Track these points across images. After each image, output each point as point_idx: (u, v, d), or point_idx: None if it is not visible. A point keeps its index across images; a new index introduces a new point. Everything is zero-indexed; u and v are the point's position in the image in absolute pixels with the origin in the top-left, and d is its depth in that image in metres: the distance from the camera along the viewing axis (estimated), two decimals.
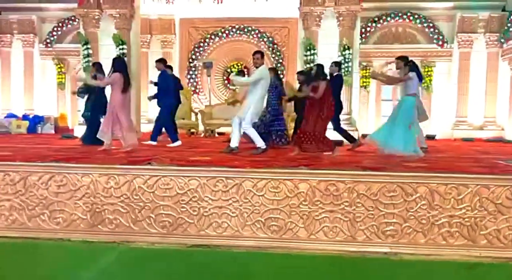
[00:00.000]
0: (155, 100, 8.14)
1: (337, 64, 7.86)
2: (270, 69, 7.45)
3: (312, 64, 9.43)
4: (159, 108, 7.95)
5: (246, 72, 9.58)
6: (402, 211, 4.28)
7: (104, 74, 7.66)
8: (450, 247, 4.25)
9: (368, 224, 4.31)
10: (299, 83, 8.49)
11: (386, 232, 4.29)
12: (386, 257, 4.21)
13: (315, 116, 6.08)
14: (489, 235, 4.22)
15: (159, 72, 8.03)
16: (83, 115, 8.24)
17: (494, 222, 4.22)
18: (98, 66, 7.84)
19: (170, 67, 8.72)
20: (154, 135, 7.88)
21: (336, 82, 7.33)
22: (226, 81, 13.33)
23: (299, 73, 8.65)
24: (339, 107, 7.39)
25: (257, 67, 6.20)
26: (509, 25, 11.28)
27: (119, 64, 6.55)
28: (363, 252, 4.28)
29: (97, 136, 6.52)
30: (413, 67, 6.51)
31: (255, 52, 6.29)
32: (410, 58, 6.72)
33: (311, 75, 6.38)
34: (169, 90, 7.84)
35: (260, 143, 6.14)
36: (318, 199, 4.36)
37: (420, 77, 6.70)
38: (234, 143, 6.23)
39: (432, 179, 4.29)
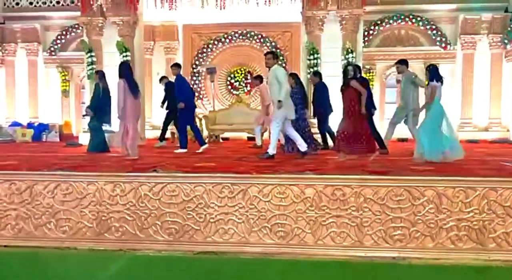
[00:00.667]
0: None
1: (357, 67, 7.88)
2: (290, 75, 7.52)
3: (315, 68, 9.45)
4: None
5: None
6: (409, 215, 4.25)
7: (106, 82, 7.71)
8: (458, 251, 4.21)
9: (375, 229, 4.28)
10: (313, 84, 8.40)
11: (394, 237, 4.26)
12: (395, 262, 4.18)
13: (349, 116, 6.09)
14: (498, 238, 4.18)
15: (175, 76, 7.90)
16: (88, 124, 8.24)
17: (502, 225, 4.18)
18: (100, 75, 7.87)
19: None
20: (200, 140, 7.74)
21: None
22: (229, 87, 13.34)
23: (314, 73, 8.61)
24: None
25: (269, 67, 6.22)
26: None
27: (122, 70, 6.54)
28: (371, 257, 4.24)
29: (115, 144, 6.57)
30: (434, 75, 6.18)
31: (267, 53, 6.39)
32: (432, 63, 6.65)
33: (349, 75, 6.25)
34: (188, 94, 7.78)
35: (272, 149, 6.13)
36: (325, 204, 4.34)
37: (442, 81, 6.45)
38: (272, 150, 6.18)
39: (439, 182, 4.25)
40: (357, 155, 6.00)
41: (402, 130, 7.73)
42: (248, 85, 12.93)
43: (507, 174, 4.53)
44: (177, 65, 8.16)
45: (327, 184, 4.35)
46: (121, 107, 6.34)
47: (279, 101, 6.05)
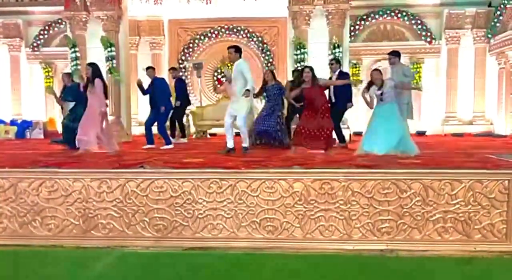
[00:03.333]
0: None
1: (337, 61, 7.90)
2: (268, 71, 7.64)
3: (302, 63, 9.45)
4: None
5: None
6: (397, 208, 4.30)
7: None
8: (445, 242, 4.28)
9: (363, 222, 4.32)
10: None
11: (381, 230, 4.30)
12: (382, 255, 4.22)
13: (314, 114, 6.09)
14: (483, 229, 4.26)
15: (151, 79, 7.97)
16: (64, 123, 7.82)
17: (487, 216, 4.26)
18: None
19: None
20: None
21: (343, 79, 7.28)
22: (216, 82, 13.27)
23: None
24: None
25: (232, 62, 6.28)
26: (495, 20, 11.39)
27: (98, 70, 6.56)
28: (359, 250, 4.28)
29: (85, 144, 6.41)
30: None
31: (229, 47, 6.29)
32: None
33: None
34: (166, 95, 7.89)
35: (246, 142, 6.30)
36: (313, 198, 4.35)
37: None
38: (230, 143, 6.26)
39: (425, 175, 4.30)
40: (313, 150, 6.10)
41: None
42: None
43: (492, 166, 4.59)
44: (151, 68, 8.26)
45: (315, 178, 4.37)
46: (104, 105, 6.43)
47: (247, 90, 5.94)
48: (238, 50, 6.23)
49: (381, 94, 5.77)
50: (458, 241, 4.27)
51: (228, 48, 6.28)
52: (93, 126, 6.34)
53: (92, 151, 6.38)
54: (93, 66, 6.55)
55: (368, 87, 5.92)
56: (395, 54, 6.99)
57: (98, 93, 6.37)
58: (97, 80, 6.38)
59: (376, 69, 6.08)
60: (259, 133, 7.24)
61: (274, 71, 8.80)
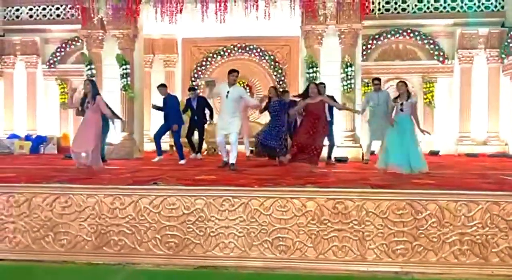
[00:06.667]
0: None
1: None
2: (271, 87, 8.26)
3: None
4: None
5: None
6: (412, 229, 4.22)
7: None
8: (461, 266, 4.17)
9: (378, 243, 4.24)
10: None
11: (396, 251, 4.22)
12: (397, 277, 4.13)
13: (309, 131, 6.46)
14: (501, 253, 4.15)
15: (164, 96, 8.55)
16: None
17: (505, 239, 4.15)
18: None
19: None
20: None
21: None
22: None
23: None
24: None
25: (234, 84, 6.76)
26: (508, 40, 11.36)
27: (96, 86, 6.81)
28: (373, 272, 4.19)
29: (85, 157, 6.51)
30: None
31: (235, 70, 6.82)
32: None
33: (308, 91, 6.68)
34: (178, 112, 8.52)
35: (234, 159, 6.66)
36: (326, 218, 4.30)
37: None
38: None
39: (441, 196, 4.24)
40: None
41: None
42: None
43: (509, 188, 4.51)
44: (164, 85, 8.71)
45: (328, 198, 4.32)
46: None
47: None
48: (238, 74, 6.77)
49: (401, 104, 6.28)
50: (475, 264, 4.16)
51: (235, 71, 6.72)
52: (94, 139, 6.39)
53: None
54: (93, 83, 6.67)
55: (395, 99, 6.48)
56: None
57: (102, 109, 6.50)
58: (99, 98, 6.50)
59: (402, 81, 6.60)
60: (263, 146, 7.85)
61: (285, 88, 9.01)
